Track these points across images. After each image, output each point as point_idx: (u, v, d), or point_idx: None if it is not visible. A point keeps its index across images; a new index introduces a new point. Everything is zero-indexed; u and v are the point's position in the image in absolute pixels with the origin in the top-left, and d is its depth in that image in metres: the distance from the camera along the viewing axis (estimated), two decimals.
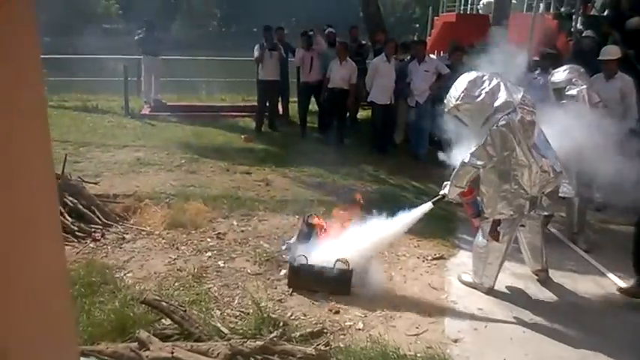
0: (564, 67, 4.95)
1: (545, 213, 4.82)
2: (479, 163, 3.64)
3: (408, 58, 8.07)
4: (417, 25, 19.98)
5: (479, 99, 3.54)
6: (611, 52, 5.75)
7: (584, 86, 4.72)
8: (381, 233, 4.10)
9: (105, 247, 4.42)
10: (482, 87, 3.57)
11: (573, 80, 4.77)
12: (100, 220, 4.75)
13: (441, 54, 10.05)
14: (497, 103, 3.52)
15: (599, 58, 5.84)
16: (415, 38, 12.55)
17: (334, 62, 8.10)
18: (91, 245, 4.41)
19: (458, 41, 8.37)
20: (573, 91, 4.72)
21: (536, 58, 8.04)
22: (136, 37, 10.08)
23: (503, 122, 3.47)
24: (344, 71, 8.07)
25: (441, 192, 3.97)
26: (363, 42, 9.65)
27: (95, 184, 5.61)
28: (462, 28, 11.66)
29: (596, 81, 5.74)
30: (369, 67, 8.18)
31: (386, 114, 7.95)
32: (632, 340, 3.36)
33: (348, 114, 9.04)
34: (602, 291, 4.14)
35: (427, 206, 4.10)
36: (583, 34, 9.00)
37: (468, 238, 4.60)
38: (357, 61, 8.33)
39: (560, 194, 4.97)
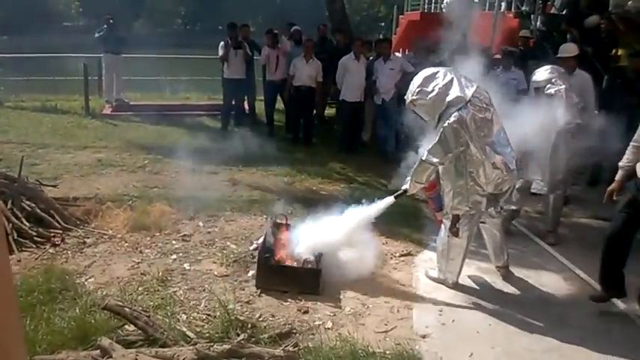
0: (546, 67, 4.99)
1: (513, 207, 4.94)
2: (434, 160, 3.69)
3: (374, 56, 8.10)
4: (382, 24, 20.11)
5: (432, 94, 3.60)
6: (568, 49, 5.86)
7: (563, 86, 4.80)
8: (345, 227, 4.13)
9: (65, 252, 4.27)
10: (436, 82, 3.63)
11: (553, 80, 4.84)
12: (59, 224, 4.59)
13: (406, 52, 10.13)
14: (449, 98, 3.57)
15: (558, 56, 5.97)
16: (380, 36, 12.59)
17: (299, 60, 8.06)
18: (50, 250, 4.26)
19: (423, 39, 8.44)
20: (551, 90, 4.81)
21: (498, 56, 8.19)
22: (97, 35, 9.81)
23: (454, 119, 3.52)
24: (310, 69, 8.04)
25: (403, 187, 4.00)
26: (329, 39, 9.64)
27: (54, 187, 5.42)
28: (426, 26, 11.78)
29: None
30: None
31: (355, 112, 7.96)
32: (595, 331, 3.44)
33: (315, 112, 9.03)
34: (567, 284, 4.23)
35: (389, 200, 4.14)
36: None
37: (435, 234, 4.63)
38: (322, 59, 8.29)
39: (532, 190, 5.12)
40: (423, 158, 3.74)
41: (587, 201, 6.16)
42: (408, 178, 3.94)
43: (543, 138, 4.72)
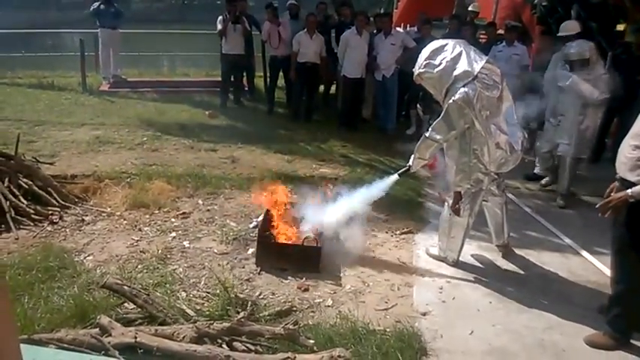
0: (578, 41, 5.23)
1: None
2: (438, 137, 3.63)
3: (374, 31, 7.95)
4: None
5: (439, 67, 3.49)
6: (569, 27, 5.75)
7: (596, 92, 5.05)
8: (351, 204, 4.12)
9: (63, 229, 4.24)
10: (444, 55, 3.52)
11: (586, 54, 5.05)
12: (57, 201, 4.55)
13: (407, 27, 9.97)
14: (456, 72, 3.46)
15: (558, 34, 5.85)
16: (381, 11, 12.39)
17: (303, 36, 7.90)
18: (49, 228, 4.23)
19: (426, 14, 8.30)
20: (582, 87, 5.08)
21: (501, 31, 8.06)
22: (92, 9, 9.62)
23: (459, 96, 3.41)
24: (315, 45, 7.90)
25: (408, 164, 3.96)
26: (329, 14, 9.45)
27: (51, 164, 5.36)
28: (428, 1, 11.58)
29: (557, 59, 5.77)
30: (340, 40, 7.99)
31: (356, 88, 7.85)
32: (595, 309, 3.42)
33: (322, 88, 8.91)
34: (568, 261, 4.22)
35: (393, 178, 4.11)
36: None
37: (436, 211, 4.61)
38: (321, 32, 8.14)
39: (558, 152, 5.42)
40: (427, 135, 3.69)
41: (589, 178, 6.12)
42: (412, 155, 3.89)
43: (576, 107, 5.19)
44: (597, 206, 3.03)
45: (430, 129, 3.67)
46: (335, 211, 4.10)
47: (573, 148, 5.34)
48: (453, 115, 3.48)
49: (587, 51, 5.04)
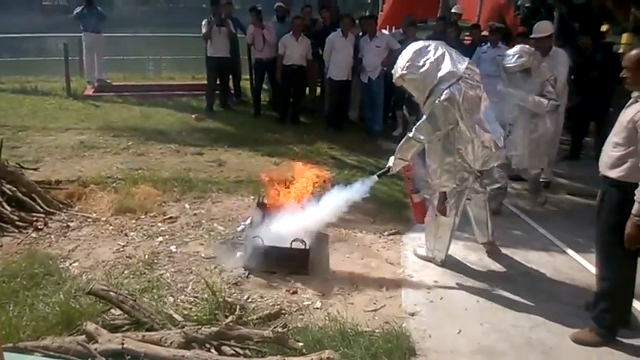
0: (515, 50, 4.89)
1: (498, 184, 4.96)
2: (421, 137, 3.65)
3: (360, 33, 7.98)
4: (369, 1, 19.88)
5: (423, 69, 3.51)
6: (542, 29, 5.73)
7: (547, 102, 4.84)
8: (329, 207, 4.06)
9: (48, 236, 4.19)
10: (427, 57, 3.53)
11: (526, 63, 4.77)
12: (41, 207, 4.50)
13: (393, 29, 10.02)
14: (440, 74, 3.48)
15: (531, 36, 5.87)
16: (366, 13, 12.44)
17: (288, 38, 7.91)
18: (33, 235, 4.17)
19: (412, 16, 8.34)
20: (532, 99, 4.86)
21: (485, 33, 8.14)
22: (76, 13, 9.54)
23: (445, 96, 3.43)
24: (301, 47, 7.90)
25: (387, 165, 3.97)
26: (315, 19, 9.47)
27: (35, 170, 5.31)
28: (413, 2, 11.65)
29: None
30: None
31: (342, 90, 7.87)
32: (582, 306, 3.46)
33: (307, 91, 8.91)
34: (553, 260, 4.26)
35: (373, 179, 4.11)
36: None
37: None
38: (307, 36, 8.14)
39: (512, 165, 5.15)
40: (410, 135, 3.70)
41: (571, 177, 6.22)
42: (392, 156, 3.90)
43: (525, 118, 5.00)
44: (627, 246, 2.92)
45: (414, 129, 3.68)
46: (312, 217, 4.03)
47: (527, 159, 5.14)
48: (439, 116, 3.51)
49: (526, 60, 4.75)
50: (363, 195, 4.10)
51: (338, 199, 4.09)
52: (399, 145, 3.82)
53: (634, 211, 2.85)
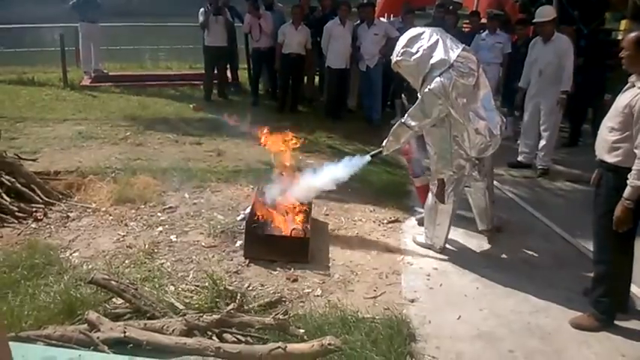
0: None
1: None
2: (412, 123, 3.68)
3: (358, 21, 7.93)
4: None
5: (416, 55, 3.53)
6: (545, 13, 5.71)
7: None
8: (322, 180, 4.13)
9: (48, 226, 4.19)
10: (421, 44, 3.55)
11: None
12: (41, 198, 4.49)
13: (391, 17, 9.96)
14: (432, 61, 3.50)
15: (534, 21, 5.86)
16: (364, 1, 12.34)
17: (287, 27, 7.86)
18: (33, 225, 4.17)
19: (410, 4, 8.31)
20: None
21: (484, 20, 8.11)
22: (72, 3, 9.46)
23: (434, 85, 3.46)
24: (300, 36, 7.86)
25: (381, 146, 4.00)
26: (314, 6, 9.40)
27: (34, 160, 5.29)
28: None
29: (535, 45, 5.83)
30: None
31: (341, 79, 7.83)
32: (580, 292, 3.49)
33: (305, 80, 8.88)
34: (552, 247, 4.28)
35: (366, 158, 4.15)
36: None
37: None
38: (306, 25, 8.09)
39: None
40: (402, 120, 3.74)
41: (571, 164, 6.22)
42: (387, 138, 3.93)
43: None
44: (615, 229, 2.95)
45: (406, 115, 3.72)
46: (305, 185, 4.10)
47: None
48: (428, 104, 3.54)
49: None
50: (355, 170, 4.15)
51: (332, 171, 4.14)
52: (393, 129, 3.86)
53: (625, 194, 2.86)
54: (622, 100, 2.95)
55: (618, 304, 3.24)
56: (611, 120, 3.01)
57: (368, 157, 4.13)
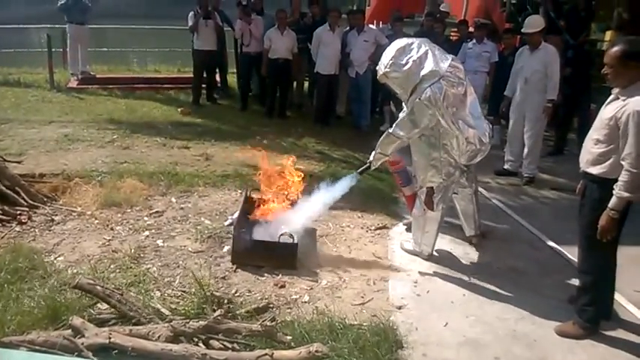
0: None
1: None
2: (401, 133, 3.69)
3: (347, 28, 7.97)
4: None
5: (406, 67, 3.53)
6: (533, 23, 5.79)
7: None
8: (312, 209, 4.11)
9: (32, 230, 4.13)
10: (410, 55, 3.55)
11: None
12: (25, 201, 4.42)
13: (380, 24, 10.03)
14: (423, 72, 3.51)
15: (522, 30, 5.95)
16: (354, 8, 12.41)
17: (273, 32, 7.87)
18: (17, 229, 4.11)
19: (398, 11, 8.37)
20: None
21: (472, 29, 8.19)
22: (60, 4, 9.38)
23: (425, 95, 3.47)
24: (286, 40, 7.87)
25: (368, 161, 4.00)
26: (304, 12, 9.42)
27: (19, 163, 5.24)
28: None
29: (522, 54, 5.92)
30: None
31: (330, 85, 7.86)
32: (565, 299, 3.52)
33: (295, 84, 8.89)
34: (537, 254, 4.32)
35: (354, 176, 4.15)
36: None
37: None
38: (300, 38, 8.08)
39: None
40: (390, 131, 3.75)
41: (557, 173, 6.30)
42: (374, 151, 3.93)
43: None
44: (599, 238, 2.97)
45: (394, 125, 3.73)
46: (294, 219, 4.02)
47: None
48: (419, 114, 3.55)
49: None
50: (344, 192, 4.14)
51: (320, 199, 4.12)
52: (380, 140, 3.86)
53: (611, 204, 2.90)
54: (606, 112, 2.97)
55: (603, 312, 3.27)
56: (596, 132, 3.04)
57: (356, 175, 4.14)
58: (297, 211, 4.09)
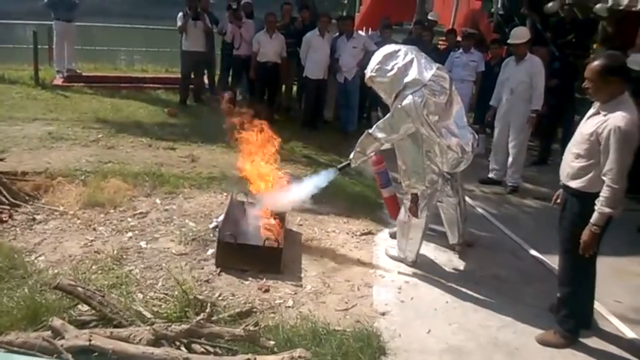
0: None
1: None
2: (380, 135, 3.73)
3: (337, 33, 7.99)
4: (346, 1, 19.98)
5: (391, 73, 3.58)
6: (520, 35, 5.87)
7: None
8: (291, 196, 4.19)
9: (13, 228, 4.06)
10: (396, 61, 3.60)
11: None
12: (6, 199, 4.36)
13: (369, 31, 10.09)
14: (406, 80, 3.55)
15: (508, 41, 6.03)
16: (343, 14, 12.48)
17: (262, 35, 7.87)
18: None
19: (388, 18, 8.42)
20: None
21: (460, 38, 8.28)
22: (47, 1, 9.27)
23: (406, 102, 3.51)
24: (275, 44, 7.86)
25: (349, 158, 4.03)
26: (294, 16, 9.43)
27: (1, 160, 5.16)
28: (389, 5, 11.74)
29: (507, 65, 6.00)
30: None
31: (318, 89, 7.87)
32: (546, 308, 3.56)
33: (284, 88, 8.88)
34: (520, 262, 4.37)
35: (334, 172, 4.20)
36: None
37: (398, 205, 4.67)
38: (290, 42, 8.06)
39: None
40: (370, 131, 3.79)
41: (540, 182, 6.37)
42: (354, 149, 3.97)
43: None
44: (581, 253, 3.00)
45: (374, 126, 3.78)
46: (273, 202, 4.12)
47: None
48: (397, 120, 3.60)
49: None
50: (323, 185, 4.19)
51: (299, 189, 4.19)
52: (360, 139, 3.90)
53: (593, 220, 2.92)
54: (587, 127, 2.99)
55: (583, 322, 3.32)
56: (576, 147, 3.07)
57: (335, 171, 4.19)
58: (276, 200, 4.14)
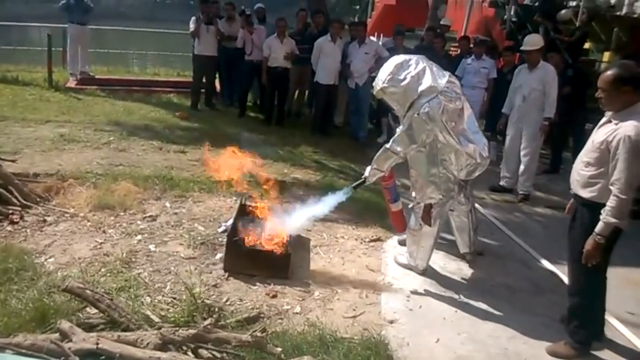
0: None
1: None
2: (398, 149, 3.67)
3: (349, 39, 8.00)
4: (358, 7, 19.99)
5: (404, 82, 3.53)
6: (533, 42, 5.84)
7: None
8: (304, 216, 4.11)
9: (24, 230, 4.09)
10: (408, 71, 3.55)
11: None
12: (18, 200, 4.39)
13: (382, 37, 10.08)
14: (421, 88, 3.51)
15: (522, 48, 5.99)
16: (356, 19, 12.49)
17: (273, 40, 7.89)
18: (8, 228, 4.06)
19: (400, 25, 8.41)
20: None
21: (471, 45, 8.24)
22: (62, 4, 9.39)
23: (425, 110, 3.46)
24: (286, 49, 7.88)
25: (363, 176, 3.98)
26: (309, 23, 9.44)
27: (13, 161, 5.20)
28: (402, 11, 11.75)
29: (520, 72, 5.95)
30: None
31: (329, 95, 7.87)
32: (557, 319, 3.51)
33: (297, 94, 8.88)
34: (530, 272, 4.31)
35: (349, 190, 4.11)
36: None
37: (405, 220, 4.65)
38: (304, 49, 8.07)
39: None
40: (387, 146, 3.71)
41: (551, 191, 6.31)
42: (369, 166, 3.91)
43: None
44: (583, 262, 2.98)
45: (391, 141, 3.70)
46: (291, 226, 4.03)
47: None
48: (416, 129, 3.54)
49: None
50: (336, 205, 4.12)
51: (312, 210, 4.11)
52: (377, 155, 3.83)
53: (597, 229, 2.88)
54: (598, 135, 2.96)
55: (594, 333, 3.27)
56: (587, 155, 3.03)
57: (350, 190, 4.11)
58: (288, 221, 4.07)
